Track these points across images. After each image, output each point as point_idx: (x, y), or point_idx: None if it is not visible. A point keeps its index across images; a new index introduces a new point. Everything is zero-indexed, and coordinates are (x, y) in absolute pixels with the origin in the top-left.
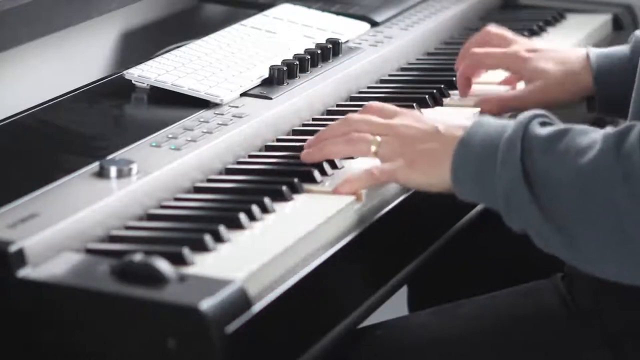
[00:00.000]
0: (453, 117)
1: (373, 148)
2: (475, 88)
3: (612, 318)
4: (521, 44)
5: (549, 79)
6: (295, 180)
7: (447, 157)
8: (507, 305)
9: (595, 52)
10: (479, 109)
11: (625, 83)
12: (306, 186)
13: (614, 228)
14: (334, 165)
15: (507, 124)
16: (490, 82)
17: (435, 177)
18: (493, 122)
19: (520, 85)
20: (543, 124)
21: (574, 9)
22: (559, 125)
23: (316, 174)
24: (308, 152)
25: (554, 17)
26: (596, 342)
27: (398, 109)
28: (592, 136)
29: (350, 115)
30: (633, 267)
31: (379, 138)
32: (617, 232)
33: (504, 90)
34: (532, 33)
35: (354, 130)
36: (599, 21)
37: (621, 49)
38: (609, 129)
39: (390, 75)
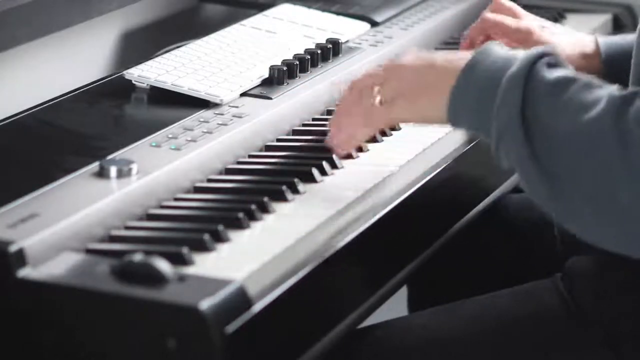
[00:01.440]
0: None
1: (377, 98)
2: None
3: (611, 318)
4: (532, 19)
5: (562, 54)
6: (295, 180)
7: (447, 88)
8: (507, 305)
9: (603, 39)
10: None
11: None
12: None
13: (602, 189)
14: (334, 165)
15: (514, 57)
16: None
17: (435, 108)
18: (499, 53)
19: None
20: (550, 65)
21: (574, 9)
22: (566, 71)
23: (316, 173)
24: (336, 147)
25: (554, 17)
26: (596, 342)
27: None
28: (597, 93)
29: (353, 79)
30: (614, 232)
31: (378, 86)
32: (605, 194)
33: None
34: None
35: (358, 87)
36: (599, 21)
37: (629, 38)
38: (614, 89)
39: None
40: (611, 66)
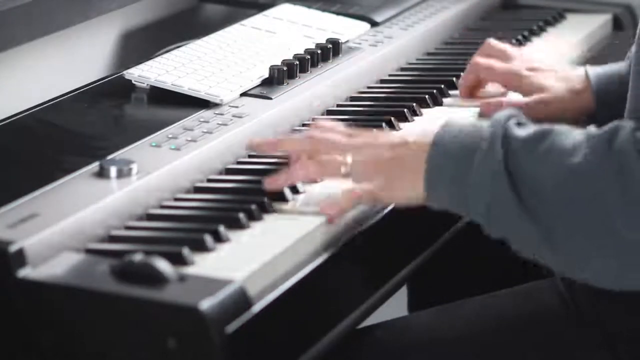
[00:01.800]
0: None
1: (343, 169)
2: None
3: (610, 319)
4: (522, 60)
5: (550, 94)
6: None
7: (421, 165)
8: (507, 306)
9: (594, 71)
10: (478, 109)
11: (624, 100)
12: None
13: (603, 229)
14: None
15: (480, 124)
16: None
17: (413, 189)
18: (464, 123)
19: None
20: (519, 124)
21: (574, 9)
22: (536, 126)
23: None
24: (272, 179)
25: (554, 17)
26: (594, 343)
27: (353, 129)
28: (576, 136)
29: (310, 133)
30: (620, 269)
31: (349, 159)
32: (607, 232)
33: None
34: (532, 33)
35: (317, 150)
36: (599, 21)
37: (618, 66)
38: (593, 129)
39: (390, 75)
40: (603, 98)
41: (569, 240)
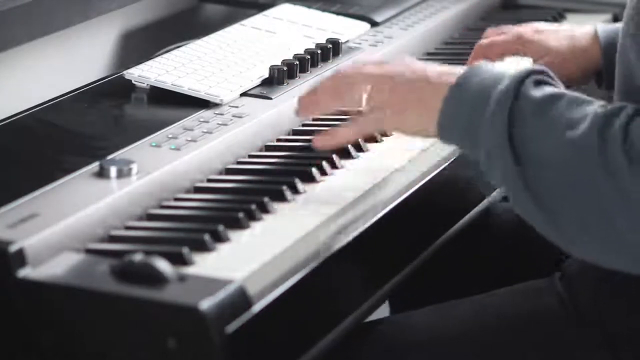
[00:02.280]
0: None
1: (364, 100)
2: None
3: (610, 318)
4: (525, 26)
5: (556, 55)
6: (295, 180)
7: (436, 103)
8: (506, 304)
9: (603, 27)
10: None
11: None
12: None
13: (593, 208)
14: (334, 165)
15: (502, 75)
16: None
17: (424, 122)
18: (489, 71)
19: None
20: (538, 83)
21: (574, 9)
22: (553, 89)
23: (316, 173)
24: (319, 139)
25: (554, 17)
26: (593, 343)
27: (387, 60)
28: (585, 109)
29: (340, 68)
30: (613, 250)
31: (369, 87)
32: (597, 214)
33: None
34: None
35: (345, 83)
36: (599, 21)
37: None
38: (599, 105)
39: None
40: (611, 56)
41: (563, 215)
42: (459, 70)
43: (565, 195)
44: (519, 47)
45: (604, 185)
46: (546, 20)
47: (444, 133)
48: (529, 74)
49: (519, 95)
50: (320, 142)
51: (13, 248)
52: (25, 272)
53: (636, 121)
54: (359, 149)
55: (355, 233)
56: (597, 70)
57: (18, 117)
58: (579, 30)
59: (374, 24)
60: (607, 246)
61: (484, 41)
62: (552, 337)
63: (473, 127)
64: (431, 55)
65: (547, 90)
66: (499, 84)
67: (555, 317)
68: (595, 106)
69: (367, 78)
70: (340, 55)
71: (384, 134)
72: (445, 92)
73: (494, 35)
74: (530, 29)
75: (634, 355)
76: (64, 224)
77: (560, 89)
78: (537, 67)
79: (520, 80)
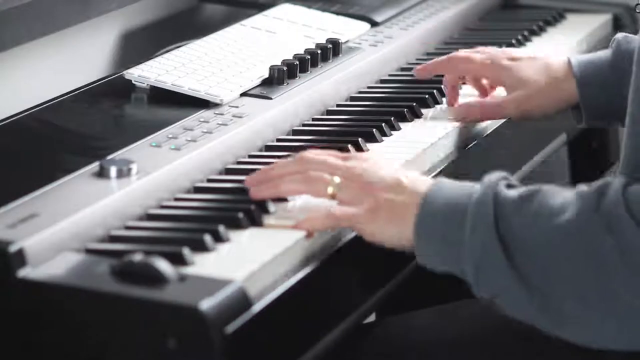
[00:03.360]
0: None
1: (331, 189)
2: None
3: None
4: (501, 52)
5: (531, 87)
6: None
7: (410, 213)
8: None
9: (577, 58)
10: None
11: (609, 89)
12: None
13: (598, 287)
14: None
15: (471, 187)
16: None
17: (397, 232)
18: (455, 185)
19: (500, 92)
20: (508, 186)
21: (574, 9)
22: (528, 187)
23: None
24: (258, 189)
25: (554, 17)
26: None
27: (347, 154)
28: (565, 195)
29: (304, 153)
30: (618, 329)
31: (337, 179)
32: (602, 290)
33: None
34: (532, 33)
35: (308, 169)
36: (599, 21)
37: (603, 54)
38: (583, 187)
39: (390, 75)
40: (586, 85)
41: (565, 303)
42: (425, 179)
43: (563, 279)
44: (492, 71)
45: (606, 251)
46: (546, 20)
47: (421, 247)
48: (499, 179)
49: (497, 199)
50: (300, 226)
51: (13, 248)
52: (25, 272)
53: (632, 186)
54: (359, 149)
55: (355, 233)
56: (572, 102)
57: (18, 117)
58: (554, 61)
59: (374, 24)
60: (611, 322)
61: (460, 53)
62: (554, 340)
63: (453, 240)
64: (431, 55)
65: (522, 188)
66: (472, 193)
67: None
68: (575, 190)
69: (336, 170)
70: (340, 55)
71: (384, 134)
72: (418, 205)
73: (470, 50)
74: (506, 55)
75: (634, 355)
76: (64, 224)
77: (533, 187)
78: (502, 173)
79: (494, 185)
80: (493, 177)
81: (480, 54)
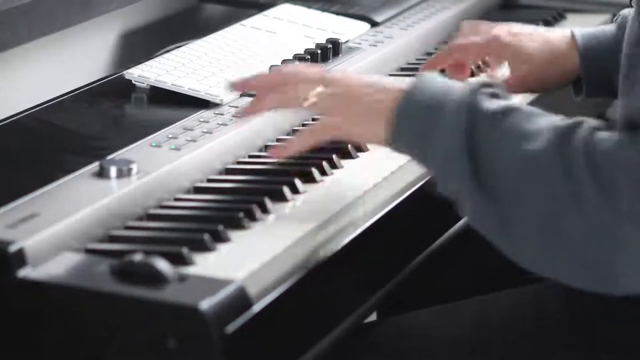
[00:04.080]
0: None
1: (312, 99)
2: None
3: (609, 324)
4: (501, 28)
5: (534, 61)
6: (295, 180)
7: (387, 111)
8: (509, 306)
9: (580, 31)
10: None
11: (612, 62)
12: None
13: (550, 222)
14: (333, 165)
15: (453, 85)
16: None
17: (375, 132)
18: (440, 81)
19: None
20: (491, 95)
21: (574, 9)
22: (507, 102)
23: (316, 173)
24: (243, 108)
25: (554, 17)
26: (593, 349)
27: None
28: (540, 122)
29: (281, 66)
30: (565, 265)
31: (319, 88)
32: (552, 226)
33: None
34: None
35: (285, 82)
36: (599, 21)
37: (607, 28)
38: (557, 119)
39: (390, 75)
40: (589, 58)
41: (520, 227)
42: (407, 79)
43: (519, 201)
44: (495, 50)
45: (560, 189)
46: (546, 20)
47: (397, 140)
48: (481, 86)
49: (473, 106)
50: (276, 152)
51: (13, 248)
52: (25, 272)
53: (597, 135)
54: (358, 149)
55: (355, 233)
56: (575, 76)
57: (18, 117)
58: (555, 34)
59: (374, 24)
60: (557, 254)
61: (459, 41)
62: (556, 338)
63: (427, 134)
64: (431, 55)
65: (501, 102)
66: (451, 93)
67: (559, 319)
68: (552, 119)
69: (314, 78)
70: (340, 55)
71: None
72: (396, 102)
73: (469, 30)
74: (506, 31)
75: (634, 356)
76: (64, 224)
77: (513, 102)
78: (487, 81)
79: (475, 91)
80: (475, 83)
81: (479, 34)
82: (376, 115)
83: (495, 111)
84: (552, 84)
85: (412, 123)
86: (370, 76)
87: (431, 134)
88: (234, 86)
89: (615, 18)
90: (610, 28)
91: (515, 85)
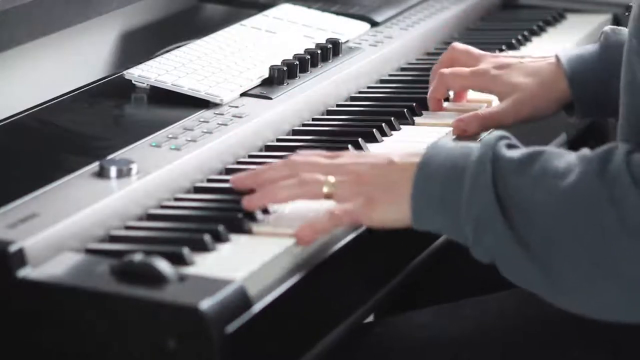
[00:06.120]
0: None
1: (326, 189)
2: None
3: (611, 324)
4: (489, 61)
5: (523, 92)
6: None
7: (406, 186)
8: (508, 307)
9: (565, 55)
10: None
11: (600, 82)
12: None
13: (598, 255)
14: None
15: (470, 146)
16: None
17: (397, 211)
18: (453, 145)
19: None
20: (509, 146)
21: (574, 9)
22: (528, 148)
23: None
24: (251, 199)
25: (554, 17)
26: (596, 347)
27: (336, 152)
28: (568, 159)
29: (292, 157)
30: (618, 299)
31: (331, 179)
32: (602, 259)
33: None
34: (532, 33)
35: (299, 172)
36: (599, 21)
37: (591, 48)
38: (586, 151)
39: (390, 75)
40: (578, 83)
41: (565, 270)
42: (418, 148)
43: (563, 245)
44: (483, 83)
45: (607, 221)
46: (546, 20)
47: (418, 215)
48: (499, 138)
49: (496, 159)
50: (300, 232)
51: (13, 248)
52: (25, 272)
53: (635, 155)
54: (359, 149)
55: (355, 233)
56: (566, 100)
57: (18, 117)
58: (542, 63)
59: (374, 24)
60: (609, 291)
61: (446, 71)
62: (556, 339)
63: (451, 202)
64: (431, 55)
65: (524, 149)
66: (470, 153)
67: (559, 320)
68: (579, 153)
69: (326, 169)
70: (340, 55)
71: (384, 134)
72: (413, 174)
73: (458, 53)
74: (495, 64)
75: (634, 357)
76: (64, 224)
77: (535, 148)
78: (503, 132)
79: (493, 145)
80: (492, 136)
81: (467, 65)
82: (394, 199)
83: (520, 159)
84: (544, 112)
85: (433, 193)
86: (376, 155)
87: (457, 203)
88: (234, 184)
89: (599, 37)
90: (594, 47)
91: (510, 118)
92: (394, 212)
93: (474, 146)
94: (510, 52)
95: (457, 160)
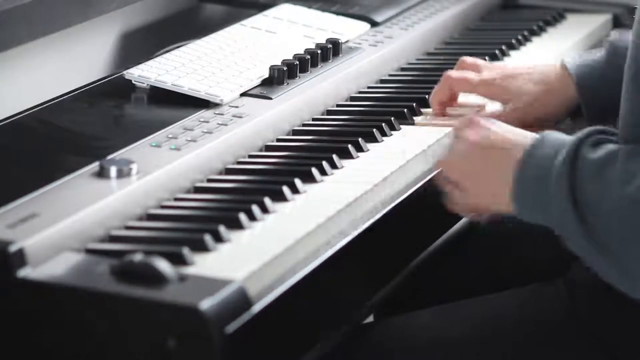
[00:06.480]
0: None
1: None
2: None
3: (610, 328)
4: (496, 71)
5: (531, 99)
6: (295, 180)
7: (507, 178)
8: (508, 307)
9: (572, 62)
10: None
11: (608, 88)
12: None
13: None
14: (334, 165)
15: (562, 144)
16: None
17: (500, 203)
18: (549, 143)
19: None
20: (595, 144)
21: (574, 9)
22: (609, 147)
23: (316, 173)
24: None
25: (554, 17)
26: (594, 349)
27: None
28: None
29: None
30: None
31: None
32: None
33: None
34: (532, 33)
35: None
36: (599, 21)
37: (596, 54)
38: None
39: (390, 75)
40: (586, 91)
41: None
42: (525, 137)
43: (637, 249)
44: (490, 91)
45: None
46: (546, 20)
47: (520, 212)
48: (587, 135)
49: (576, 163)
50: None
51: (13, 248)
52: (25, 272)
53: None
54: (359, 148)
55: (355, 233)
56: (574, 106)
57: (18, 117)
58: (549, 71)
59: (374, 24)
60: None
61: (455, 74)
62: (553, 341)
63: (542, 203)
64: (431, 55)
65: (604, 150)
66: (558, 154)
67: (557, 322)
68: None
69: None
70: (340, 55)
71: (384, 134)
72: (517, 164)
73: (465, 66)
74: (502, 75)
75: None
76: (64, 224)
77: (616, 145)
78: (597, 127)
79: (578, 145)
80: (584, 131)
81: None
82: (495, 185)
83: (597, 160)
84: (551, 119)
85: (528, 195)
86: (499, 133)
87: (545, 201)
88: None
89: (604, 43)
90: (601, 53)
91: (511, 120)
92: (497, 205)
93: (564, 144)
94: (511, 52)
95: (546, 163)
